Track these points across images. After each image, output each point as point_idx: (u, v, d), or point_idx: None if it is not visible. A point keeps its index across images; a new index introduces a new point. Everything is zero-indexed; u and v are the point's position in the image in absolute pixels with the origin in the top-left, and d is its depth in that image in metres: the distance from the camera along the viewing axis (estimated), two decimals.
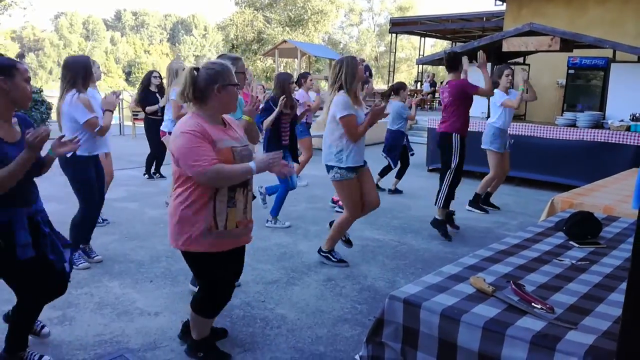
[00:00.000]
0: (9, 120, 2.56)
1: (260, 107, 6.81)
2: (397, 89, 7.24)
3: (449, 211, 5.51)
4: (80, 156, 4.05)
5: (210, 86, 2.54)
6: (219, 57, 3.61)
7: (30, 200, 2.62)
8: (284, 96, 5.39)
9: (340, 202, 7.35)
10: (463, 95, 5.22)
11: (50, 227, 2.76)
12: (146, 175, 7.98)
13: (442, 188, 5.34)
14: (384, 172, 7.40)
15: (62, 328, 3.20)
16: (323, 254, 4.49)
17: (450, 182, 5.32)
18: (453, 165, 5.29)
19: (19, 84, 2.52)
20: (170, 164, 2.76)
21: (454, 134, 5.25)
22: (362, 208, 4.31)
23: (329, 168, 4.19)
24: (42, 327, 3.03)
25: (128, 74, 60.26)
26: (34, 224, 2.62)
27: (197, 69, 2.57)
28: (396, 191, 7.42)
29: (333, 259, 4.44)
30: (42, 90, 13.13)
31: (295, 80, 6.34)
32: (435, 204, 5.43)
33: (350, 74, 4.06)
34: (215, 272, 2.72)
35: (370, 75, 6.24)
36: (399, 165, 7.39)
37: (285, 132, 5.57)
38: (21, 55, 59.44)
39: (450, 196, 5.37)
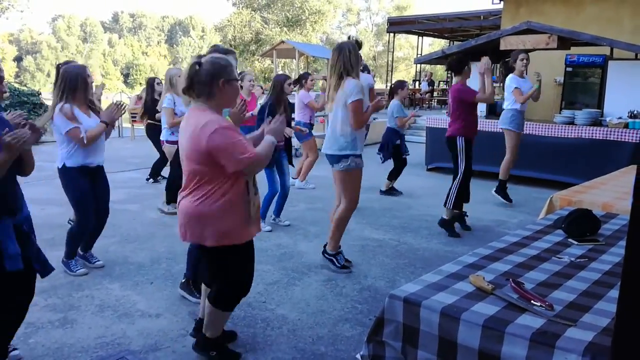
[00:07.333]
0: None
1: (252, 113, 6.78)
2: (395, 88, 7.21)
3: (461, 212, 5.51)
4: (70, 168, 3.95)
5: (216, 80, 2.54)
6: (212, 48, 3.47)
7: (15, 209, 2.53)
8: (270, 118, 5.35)
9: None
10: (462, 99, 5.24)
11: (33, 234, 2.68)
12: (151, 180, 7.83)
13: (452, 190, 5.35)
14: (392, 176, 7.27)
15: (63, 331, 3.20)
16: (328, 257, 4.35)
17: (459, 184, 5.32)
18: (461, 169, 5.30)
19: None
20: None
21: (458, 137, 5.26)
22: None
23: (342, 157, 4.02)
24: (14, 349, 2.85)
25: (126, 76, 60.24)
26: (22, 234, 2.53)
27: (199, 63, 2.56)
28: (392, 191, 7.26)
29: (337, 264, 4.30)
30: (40, 93, 13.00)
31: (294, 80, 6.30)
32: (445, 205, 5.41)
33: (355, 58, 3.95)
34: (242, 263, 2.77)
35: (369, 74, 6.22)
36: (393, 166, 7.32)
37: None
38: (19, 59, 59.38)
39: (460, 198, 5.35)
